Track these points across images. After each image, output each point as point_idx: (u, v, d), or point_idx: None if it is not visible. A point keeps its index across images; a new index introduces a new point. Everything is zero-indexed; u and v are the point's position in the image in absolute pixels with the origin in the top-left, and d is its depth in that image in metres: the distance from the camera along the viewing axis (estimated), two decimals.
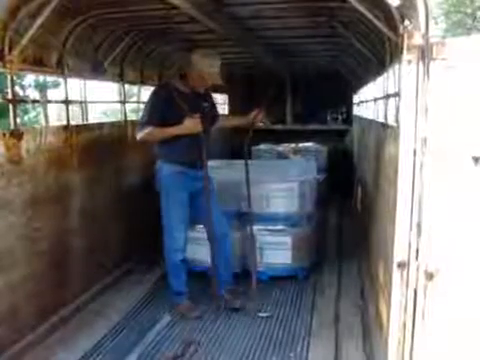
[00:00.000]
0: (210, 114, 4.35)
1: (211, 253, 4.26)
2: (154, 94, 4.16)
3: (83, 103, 5.07)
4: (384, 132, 3.79)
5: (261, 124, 4.49)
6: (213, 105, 4.56)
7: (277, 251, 4.95)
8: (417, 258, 2.32)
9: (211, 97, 4.53)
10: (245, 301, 4.41)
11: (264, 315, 4.25)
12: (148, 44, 5.63)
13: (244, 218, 4.79)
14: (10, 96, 3.70)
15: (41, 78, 17.71)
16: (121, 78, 5.47)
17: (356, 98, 9.19)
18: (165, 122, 3.96)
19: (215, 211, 4.23)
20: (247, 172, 4.49)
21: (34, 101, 13.94)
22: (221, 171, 5.05)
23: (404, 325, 2.42)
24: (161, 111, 3.96)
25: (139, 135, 4.02)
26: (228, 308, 4.34)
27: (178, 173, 4.11)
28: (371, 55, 4.98)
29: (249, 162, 4.59)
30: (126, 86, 5.85)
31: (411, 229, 2.35)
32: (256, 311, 4.28)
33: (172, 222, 4.18)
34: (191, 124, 3.93)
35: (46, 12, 3.51)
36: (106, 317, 4.20)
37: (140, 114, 4.75)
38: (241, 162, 4.60)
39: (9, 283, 3.51)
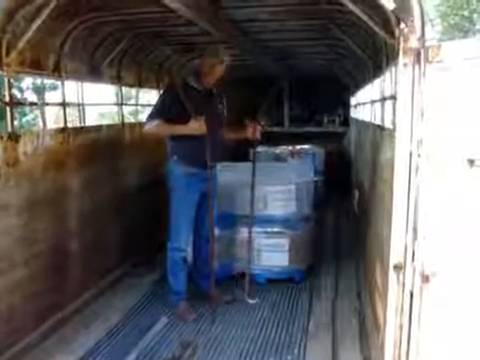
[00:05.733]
0: (222, 115, 4.43)
1: (198, 251, 4.53)
2: (163, 93, 4.39)
3: (80, 105, 5.06)
4: (381, 134, 3.81)
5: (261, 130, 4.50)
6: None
7: (274, 253, 4.96)
8: (413, 260, 2.33)
9: (222, 98, 4.53)
10: (235, 293, 4.59)
11: (252, 302, 4.41)
12: (145, 46, 5.64)
13: (244, 221, 4.84)
14: (7, 99, 3.71)
15: (39, 81, 17.72)
16: (118, 80, 5.47)
17: (353, 100, 9.21)
18: (172, 120, 4.07)
19: (214, 212, 4.32)
20: (253, 181, 4.51)
21: (31, 103, 13.93)
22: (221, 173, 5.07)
23: (400, 327, 2.43)
24: (168, 110, 4.09)
25: (146, 126, 4.18)
26: (221, 303, 4.43)
27: (191, 174, 4.17)
28: (368, 58, 5.00)
29: (248, 165, 4.61)
30: (123, 88, 5.86)
31: (407, 231, 2.35)
32: (251, 306, 4.41)
33: (179, 222, 4.25)
34: (195, 126, 4.00)
35: (43, 15, 3.52)
36: (104, 319, 4.20)
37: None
38: (240, 165, 4.62)
39: (7, 285, 3.51)
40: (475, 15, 23.34)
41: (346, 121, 10.26)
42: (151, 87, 6.54)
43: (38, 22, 3.54)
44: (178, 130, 4.10)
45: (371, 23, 3.12)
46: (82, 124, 5.11)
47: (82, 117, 5.10)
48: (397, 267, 2.42)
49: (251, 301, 4.44)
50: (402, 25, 2.36)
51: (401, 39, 2.34)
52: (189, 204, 4.23)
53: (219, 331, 4.04)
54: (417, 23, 2.26)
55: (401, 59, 2.33)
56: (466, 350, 2.28)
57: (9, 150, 3.56)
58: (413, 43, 2.27)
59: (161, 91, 6.39)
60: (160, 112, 4.12)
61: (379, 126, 4.25)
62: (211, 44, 4.54)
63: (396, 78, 2.96)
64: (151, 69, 6.26)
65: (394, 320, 2.46)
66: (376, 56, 4.49)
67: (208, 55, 4.16)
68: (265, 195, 4.93)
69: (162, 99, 4.28)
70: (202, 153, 4.05)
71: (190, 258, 4.58)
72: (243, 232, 4.92)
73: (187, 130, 4.03)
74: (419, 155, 2.26)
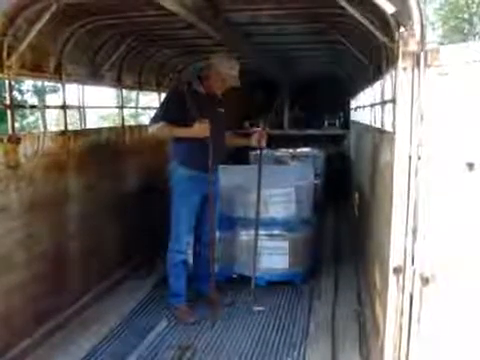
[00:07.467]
0: (224, 119, 4.42)
1: (198, 253, 4.55)
2: (168, 95, 4.40)
3: (81, 108, 5.07)
4: (380, 137, 3.81)
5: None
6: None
7: (274, 256, 4.95)
8: (413, 263, 2.34)
9: (223, 102, 4.50)
10: (233, 297, 4.60)
11: (259, 309, 4.37)
12: (146, 49, 5.65)
13: (243, 223, 4.87)
14: (8, 101, 3.72)
15: (39, 83, 17.75)
16: (119, 83, 5.48)
17: (353, 103, 9.22)
18: (176, 123, 4.06)
19: (216, 215, 4.36)
20: (259, 182, 4.54)
21: (32, 106, 13.95)
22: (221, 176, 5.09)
23: (400, 329, 2.43)
24: (172, 112, 4.08)
25: (150, 129, 4.18)
26: (220, 306, 4.42)
27: (193, 177, 4.16)
28: (368, 61, 5.01)
29: (247, 167, 4.62)
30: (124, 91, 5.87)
31: (407, 234, 2.36)
32: (251, 310, 4.40)
33: (180, 224, 4.25)
34: (199, 129, 4.00)
35: (44, 18, 3.53)
36: (104, 321, 4.19)
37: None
38: (239, 167, 4.62)
39: (7, 287, 3.51)
40: (475, 18, 23.41)
41: (346, 124, 10.26)
42: (151, 90, 6.55)
43: (39, 25, 3.56)
44: (182, 132, 4.10)
45: (371, 27, 3.13)
46: (82, 127, 5.12)
47: (83, 120, 5.12)
48: (397, 270, 2.42)
49: (258, 308, 4.42)
50: (402, 29, 2.37)
51: (401, 43, 2.35)
52: (190, 206, 4.23)
53: (219, 334, 4.04)
54: (416, 27, 2.27)
55: (400, 63, 2.34)
56: (466, 352, 2.28)
57: (10, 152, 3.57)
58: (412, 47, 2.28)
59: (162, 94, 6.44)
60: (164, 114, 4.11)
61: (379, 129, 4.26)
62: (223, 53, 4.54)
63: (396, 81, 2.97)
64: (152, 72, 6.27)
65: (394, 322, 2.46)
66: (376, 59, 4.50)
67: (222, 66, 4.13)
68: (265, 198, 4.92)
69: (166, 101, 4.27)
70: (204, 156, 4.04)
71: (190, 260, 4.59)
72: (242, 235, 4.95)
73: (190, 133, 4.04)
74: (419, 158, 2.27)
